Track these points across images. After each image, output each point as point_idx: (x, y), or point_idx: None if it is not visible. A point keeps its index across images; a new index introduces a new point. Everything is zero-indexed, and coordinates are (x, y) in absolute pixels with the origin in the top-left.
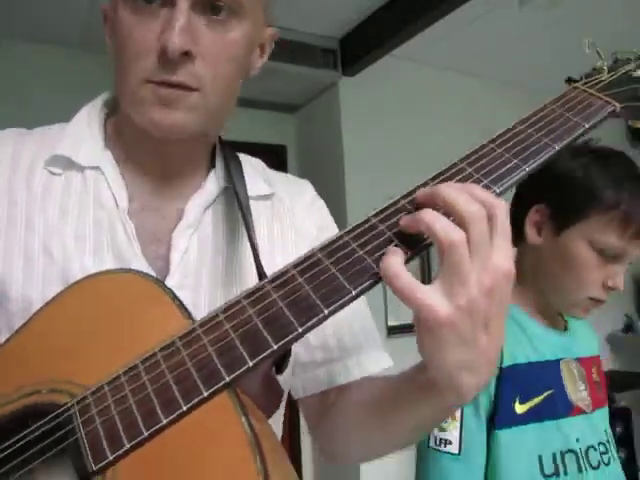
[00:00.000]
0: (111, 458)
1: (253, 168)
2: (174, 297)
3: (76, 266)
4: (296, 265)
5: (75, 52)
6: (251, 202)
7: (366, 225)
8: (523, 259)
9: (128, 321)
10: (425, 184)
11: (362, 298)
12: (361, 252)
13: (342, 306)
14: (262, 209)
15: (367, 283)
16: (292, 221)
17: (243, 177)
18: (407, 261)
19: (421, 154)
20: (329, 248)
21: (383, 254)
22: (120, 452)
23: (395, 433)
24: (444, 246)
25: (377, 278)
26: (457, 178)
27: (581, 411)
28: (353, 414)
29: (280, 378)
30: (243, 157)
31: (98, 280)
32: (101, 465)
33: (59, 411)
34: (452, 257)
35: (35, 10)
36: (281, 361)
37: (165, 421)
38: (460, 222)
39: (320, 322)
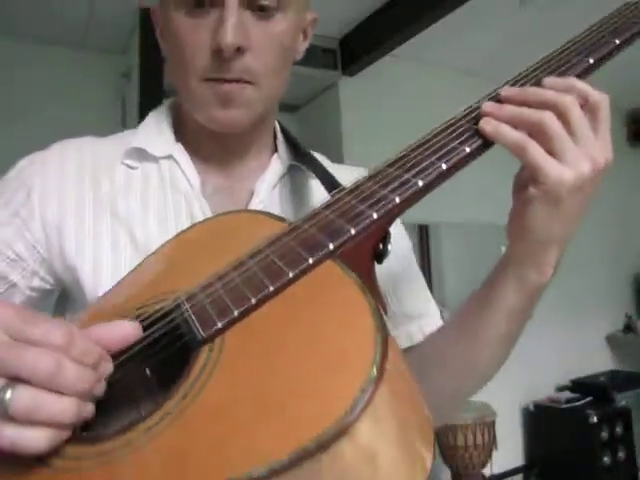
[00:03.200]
0: (220, 325)
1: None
2: (270, 215)
3: None
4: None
5: (75, 52)
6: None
7: (443, 126)
8: None
9: (233, 242)
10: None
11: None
12: (448, 139)
13: (435, 181)
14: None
15: (467, 148)
16: None
17: (311, 154)
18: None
19: None
20: (414, 146)
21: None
22: (228, 319)
23: (481, 349)
24: (539, 127)
25: (479, 142)
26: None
27: None
28: (425, 359)
29: None
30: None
31: (206, 222)
32: (210, 332)
33: (167, 303)
34: (552, 133)
35: (35, 10)
36: (382, 250)
37: (272, 288)
38: (557, 112)
39: (417, 194)
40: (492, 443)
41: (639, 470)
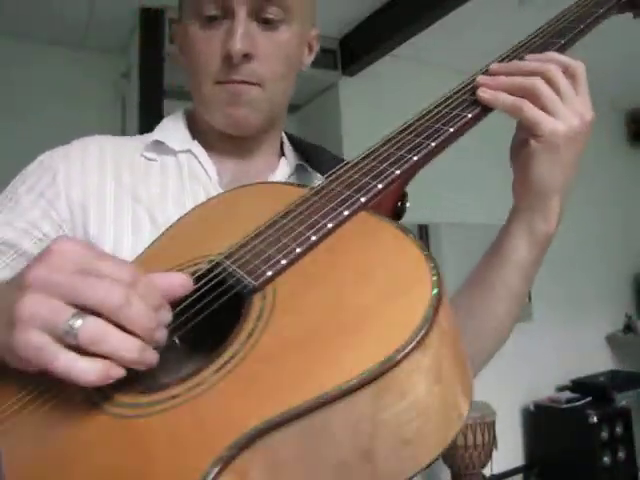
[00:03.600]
0: (270, 273)
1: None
2: (291, 183)
3: None
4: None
5: (75, 52)
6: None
7: (442, 99)
8: None
9: (255, 209)
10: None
11: None
12: (448, 109)
13: (444, 142)
14: None
15: (468, 113)
16: None
17: (321, 149)
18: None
19: None
20: (417, 117)
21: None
22: (277, 267)
23: (496, 304)
24: (532, 90)
25: (477, 109)
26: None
27: None
28: None
29: None
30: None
31: (222, 196)
32: (261, 280)
33: (202, 265)
34: (543, 95)
35: (35, 10)
36: (401, 207)
37: (314, 237)
38: (545, 78)
39: (430, 154)
40: (492, 443)
41: (639, 470)
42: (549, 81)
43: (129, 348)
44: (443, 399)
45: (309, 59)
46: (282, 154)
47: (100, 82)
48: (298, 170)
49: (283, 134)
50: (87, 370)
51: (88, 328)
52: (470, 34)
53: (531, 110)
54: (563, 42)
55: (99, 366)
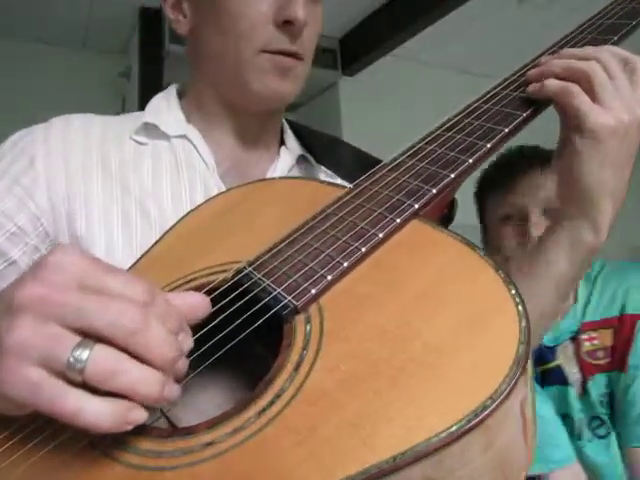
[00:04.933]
0: (313, 292)
1: None
2: (320, 180)
3: None
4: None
5: (75, 52)
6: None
7: (488, 96)
8: None
9: (278, 207)
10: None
11: None
12: (497, 107)
13: (499, 144)
14: None
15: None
16: None
17: (324, 145)
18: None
19: None
20: (468, 111)
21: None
22: (321, 284)
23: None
24: (588, 73)
25: (532, 108)
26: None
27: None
28: None
29: None
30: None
31: (233, 192)
32: (304, 300)
33: (230, 275)
34: (599, 81)
35: (35, 10)
36: (449, 214)
37: (364, 249)
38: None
39: (484, 156)
40: None
41: None
42: (605, 68)
43: (149, 382)
44: (521, 447)
45: None
46: (282, 142)
47: (100, 82)
48: (300, 161)
49: (283, 120)
50: (101, 413)
51: (98, 360)
52: (470, 34)
53: (581, 97)
54: (616, 39)
55: (116, 408)
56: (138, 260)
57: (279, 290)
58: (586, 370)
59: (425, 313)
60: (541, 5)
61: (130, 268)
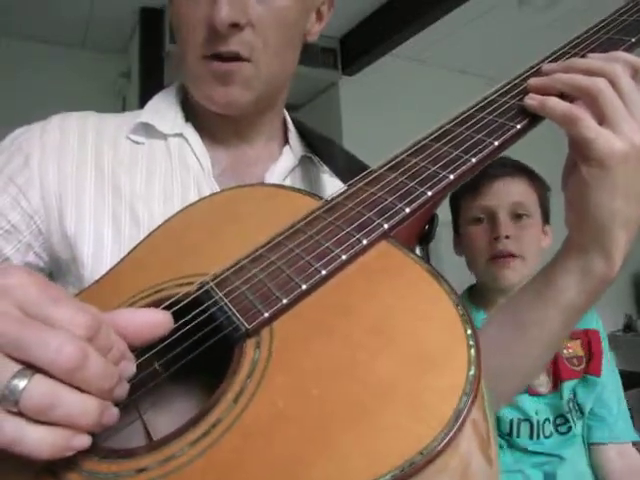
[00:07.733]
0: (266, 315)
1: None
2: (297, 190)
3: None
4: (431, 137)
5: (75, 52)
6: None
7: (484, 102)
8: None
9: (256, 219)
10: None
11: None
12: (492, 116)
13: (487, 158)
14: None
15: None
16: None
17: (332, 141)
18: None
19: None
20: (457, 120)
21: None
22: (276, 308)
23: (529, 348)
24: (594, 93)
25: (528, 119)
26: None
27: (536, 392)
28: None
29: None
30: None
31: (215, 196)
32: (256, 324)
33: (194, 288)
34: (606, 101)
35: (36, 10)
36: (428, 231)
37: (324, 272)
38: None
39: (469, 171)
40: None
41: None
42: (614, 83)
43: (87, 412)
44: None
45: (318, 27)
46: (286, 142)
47: (100, 82)
48: (303, 162)
49: (289, 120)
50: (43, 442)
51: (33, 393)
52: (470, 34)
53: (587, 123)
54: (634, 40)
55: (57, 436)
56: (118, 263)
57: (234, 310)
58: (564, 373)
59: (372, 349)
60: (541, 6)
61: (110, 271)
